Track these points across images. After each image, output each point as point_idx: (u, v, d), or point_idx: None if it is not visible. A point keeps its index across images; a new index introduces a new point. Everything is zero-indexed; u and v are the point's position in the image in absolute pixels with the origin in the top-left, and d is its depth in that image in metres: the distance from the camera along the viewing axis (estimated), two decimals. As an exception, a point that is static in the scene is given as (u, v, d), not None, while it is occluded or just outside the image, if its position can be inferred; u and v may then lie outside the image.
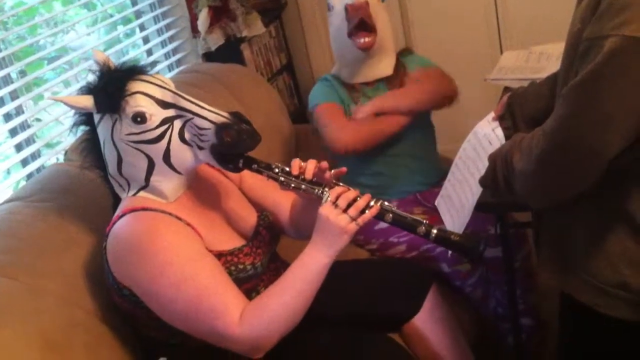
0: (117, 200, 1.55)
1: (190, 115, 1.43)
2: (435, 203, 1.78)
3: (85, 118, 1.51)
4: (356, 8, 2.19)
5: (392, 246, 2.21)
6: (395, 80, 2.34)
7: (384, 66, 2.33)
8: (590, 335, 1.37)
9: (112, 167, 1.51)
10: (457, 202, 1.65)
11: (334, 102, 2.32)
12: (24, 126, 2.05)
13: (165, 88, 1.47)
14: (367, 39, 2.22)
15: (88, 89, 1.48)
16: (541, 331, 2.24)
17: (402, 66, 2.38)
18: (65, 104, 1.46)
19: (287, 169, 1.49)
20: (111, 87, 1.44)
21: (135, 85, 1.44)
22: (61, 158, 2.03)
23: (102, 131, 1.48)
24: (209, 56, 2.86)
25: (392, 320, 1.82)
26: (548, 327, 2.23)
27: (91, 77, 1.49)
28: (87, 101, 1.45)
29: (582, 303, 1.29)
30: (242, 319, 1.38)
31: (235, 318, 1.38)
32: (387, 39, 2.30)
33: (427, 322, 1.81)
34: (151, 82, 1.46)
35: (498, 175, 1.29)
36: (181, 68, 2.77)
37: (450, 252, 1.70)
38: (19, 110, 2.06)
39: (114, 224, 1.46)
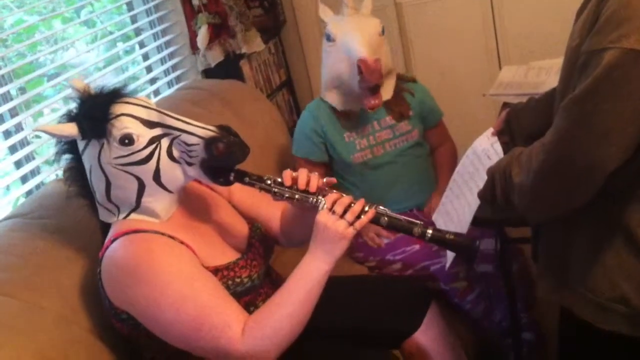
0: (104, 225, 1.54)
1: (178, 133, 1.42)
2: (433, 218, 1.78)
3: (69, 146, 1.50)
4: (371, 71, 2.07)
5: (388, 264, 2.21)
6: (393, 103, 2.33)
7: (384, 92, 2.26)
8: (590, 350, 1.36)
9: (99, 193, 1.49)
10: (455, 217, 1.65)
11: (308, 159, 2.35)
12: (23, 143, 2.05)
13: (149, 108, 1.46)
14: (376, 101, 2.17)
15: (69, 117, 1.46)
16: (543, 346, 2.23)
17: (403, 90, 2.38)
18: (49, 133, 1.44)
19: (279, 179, 1.49)
20: (95, 112, 1.42)
21: (119, 108, 1.43)
22: (61, 174, 2.02)
23: (89, 158, 1.46)
24: (208, 72, 2.87)
25: (393, 336, 1.82)
26: (549, 342, 2.22)
27: (72, 105, 1.47)
28: (72, 129, 1.43)
29: (581, 318, 1.28)
30: (245, 334, 1.38)
31: (237, 334, 1.37)
32: (387, 69, 2.25)
33: (427, 338, 1.81)
34: (134, 104, 1.45)
35: (497, 189, 1.29)
36: (181, 84, 2.78)
37: (447, 266, 1.71)
38: (19, 127, 2.06)
39: (106, 248, 1.45)
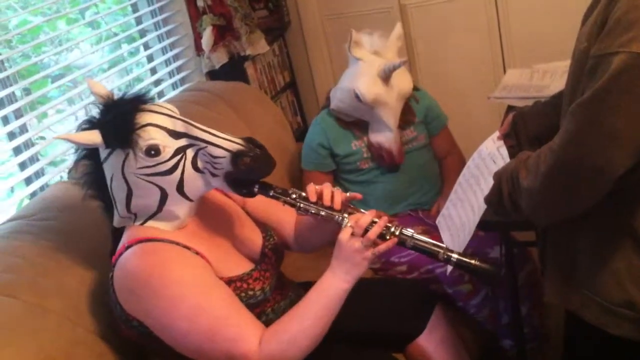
0: (115, 227, 1.52)
1: (204, 144, 1.40)
2: (437, 221, 1.78)
3: (88, 152, 1.47)
4: (392, 163, 2.26)
5: (393, 266, 2.21)
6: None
7: None
8: (596, 354, 1.36)
9: (120, 201, 1.46)
10: (458, 221, 1.64)
11: (318, 171, 2.38)
12: (27, 144, 2.05)
13: (175, 117, 1.43)
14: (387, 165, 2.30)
15: (91, 123, 1.43)
16: (548, 349, 2.22)
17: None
18: (72, 142, 1.41)
19: (304, 194, 1.48)
20: (120, 121, 1.39)
21: (145, 117, 1.41)
22: (65, 176, 2.02)
23: (111, 166, 1.43)
24: (213, 74, 2.87)
25: (396, 339, 1.81)
26: (554, 346, 2.21)
27: (94, 111, 1.44)
28: (95, 137, 1.40)
29: (587, 321, 1.28)
30: (262, 346, 1.37)
31: (253, 346, 1.36)
32: None
33: (430, 341, 1.80)
34: (159, 112, 1.43)
35: (504, 193, 1.28)
36: (185, 86, 2.78)
37: (449, 271, 1.70)
38: (23, 129, 2.06)
39: (120, 254, 1.43)
